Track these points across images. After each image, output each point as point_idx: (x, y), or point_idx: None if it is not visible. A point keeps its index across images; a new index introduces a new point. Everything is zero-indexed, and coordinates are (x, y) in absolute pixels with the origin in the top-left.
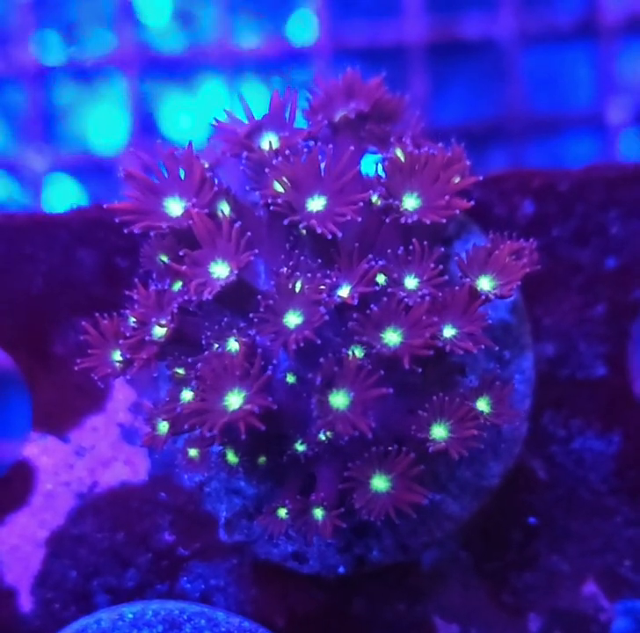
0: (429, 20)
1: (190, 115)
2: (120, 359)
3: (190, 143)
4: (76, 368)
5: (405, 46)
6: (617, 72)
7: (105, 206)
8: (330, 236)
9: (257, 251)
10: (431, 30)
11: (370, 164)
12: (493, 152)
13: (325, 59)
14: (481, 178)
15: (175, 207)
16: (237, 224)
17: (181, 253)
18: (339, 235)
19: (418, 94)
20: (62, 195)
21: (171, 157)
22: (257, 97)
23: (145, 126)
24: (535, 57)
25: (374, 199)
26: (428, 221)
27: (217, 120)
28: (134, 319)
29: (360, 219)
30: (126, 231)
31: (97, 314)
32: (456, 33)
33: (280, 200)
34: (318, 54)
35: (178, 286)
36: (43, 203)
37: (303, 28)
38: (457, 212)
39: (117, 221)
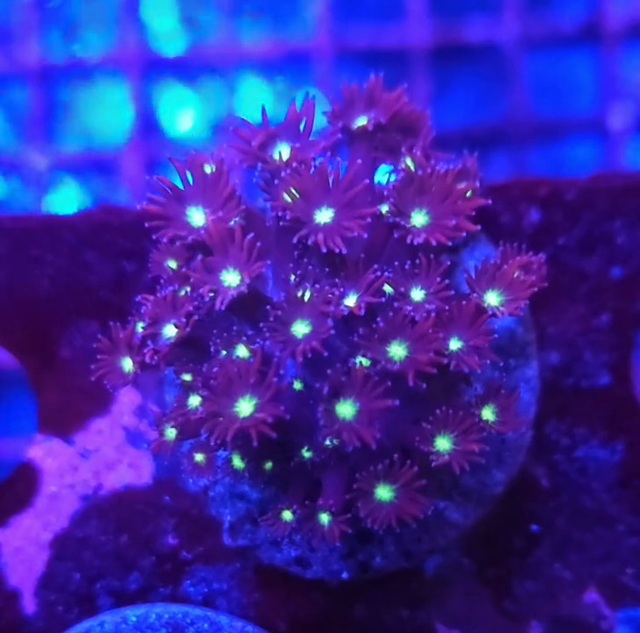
0: (432, 23)
1: (192, 115)
2: (131, 366)
3: (221, 158)
4: (92, 379)
5: (408, 49)
6: (620, 77)
7: (138, 207)
8: (337, 250)
9: (268, 261)
10: (434, 33)
11: (382, 174)
12: (495, 156)
13: (327, 61)
14: (490, 201)
15: (198, 216)
16: (250, 235)
17: (199, 257)
18: (344, 251)
19: (420, 98)
20: (65, 195)
21: (201, 167)
22: (259, 98)
23: (148, 125)
24: (538, 62)
25: (384, 210)
26: (434, 243)
27: (232, 127)
28: (148, 317)
29: (366, 235)
30: (154, 237)
31: (108, 321)
32: (459, 37)
33: (288, 216)
34: (320, 56)
35: (184, 292)
36: (46, 203)
37: (306, 30)
38: (464, 234)
39: (146, 226)
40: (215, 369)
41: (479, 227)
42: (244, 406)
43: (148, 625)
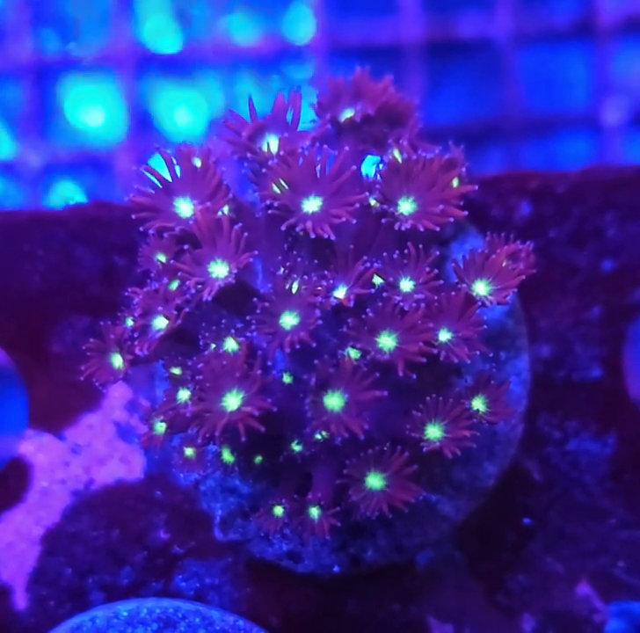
0: (426, 19)
1: (186, 112)
2: (120, 363)
3: (208, 149)
4: (81, 378)
5: (402, 44)
6: (613, 73)
7: (126, 199)
8: (326, 236)
9: (256, 252)
10: (427, 29)
11: (370, 166)
12: (489, 152)
13: (322, 57)
14: (476, 187)
15: (185, 207)
16: (238, 225)
17: (185, 247)
18: (333, 237)
19: (413, 93)
20: (59, 192)
21: (189, 159)
22: (253, 94)
23: (141, 122)
24: (532, 57)
25: (373, 202)
26: (422, 228)
27: (223, 120)
28: (139, 308)
29: (354, 221)
30: (141, 229)
31: (99, 316)
32: (453, 33)
33: (276, 204)
34: (315, 52)
35: (175, 285)
36: (40, 200)
37: (300, 25)
38: (451, 220)
39: (134, 217)
40: (200, 365)
41: (466, 213)
42: (231, 400)
43: (139, 620)
